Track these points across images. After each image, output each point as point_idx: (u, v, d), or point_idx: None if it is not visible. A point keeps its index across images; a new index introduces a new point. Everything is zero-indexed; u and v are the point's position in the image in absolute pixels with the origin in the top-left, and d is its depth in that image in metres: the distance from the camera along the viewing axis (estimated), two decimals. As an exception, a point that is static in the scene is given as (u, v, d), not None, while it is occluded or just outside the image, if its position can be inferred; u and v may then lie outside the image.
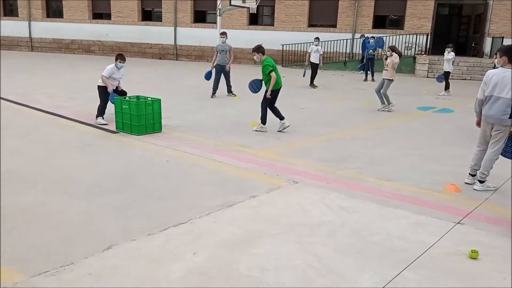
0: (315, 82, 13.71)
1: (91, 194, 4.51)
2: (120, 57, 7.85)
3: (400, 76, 17.71)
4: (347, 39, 19.66)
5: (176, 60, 22.85)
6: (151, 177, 5.11)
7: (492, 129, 4.81)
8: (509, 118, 4.65)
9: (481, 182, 4.85)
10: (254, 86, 7.78)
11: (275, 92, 7.46)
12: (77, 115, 8.34)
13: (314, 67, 13.82)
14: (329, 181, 5.10)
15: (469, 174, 5.07)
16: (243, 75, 16.37)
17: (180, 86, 13.14)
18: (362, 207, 4.32)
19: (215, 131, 7.50)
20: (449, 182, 5.03)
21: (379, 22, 20.32)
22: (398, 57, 9.60)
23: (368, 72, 15.80)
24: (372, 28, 19.81)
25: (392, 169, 5.64)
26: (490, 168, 4.82)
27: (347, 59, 19.48)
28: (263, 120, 7.55)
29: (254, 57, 7.54)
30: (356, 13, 19.77)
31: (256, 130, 7.53)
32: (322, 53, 14.27)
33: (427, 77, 17.01)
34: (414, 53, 18.83)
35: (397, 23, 20.25)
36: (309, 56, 13.86)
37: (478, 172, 4.91)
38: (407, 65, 18.80)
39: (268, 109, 7.52)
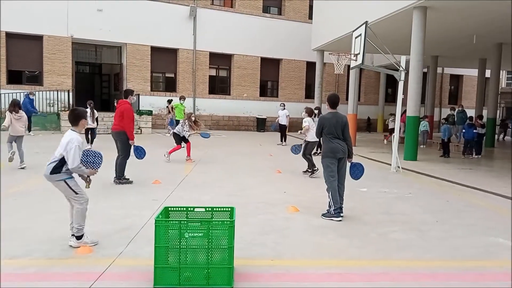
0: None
1: None
2: None
3: (44, 134, 16.60)
4: None
5: None
6: None
7: None
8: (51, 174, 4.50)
9: (78, 238, 4.58)
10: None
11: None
12: None
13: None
14: None
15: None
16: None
17: None
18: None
19: None
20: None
21: (15, 77, 18.61)
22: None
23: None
24: (8, 84, 17.89)
25: (15, 244, 4.65)
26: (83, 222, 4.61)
27: None
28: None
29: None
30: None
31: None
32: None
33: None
34: (58, 110, 18.17)
35: (36, 79, 19.13)
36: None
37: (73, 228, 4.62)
38: (52, 122, 17.93)
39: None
